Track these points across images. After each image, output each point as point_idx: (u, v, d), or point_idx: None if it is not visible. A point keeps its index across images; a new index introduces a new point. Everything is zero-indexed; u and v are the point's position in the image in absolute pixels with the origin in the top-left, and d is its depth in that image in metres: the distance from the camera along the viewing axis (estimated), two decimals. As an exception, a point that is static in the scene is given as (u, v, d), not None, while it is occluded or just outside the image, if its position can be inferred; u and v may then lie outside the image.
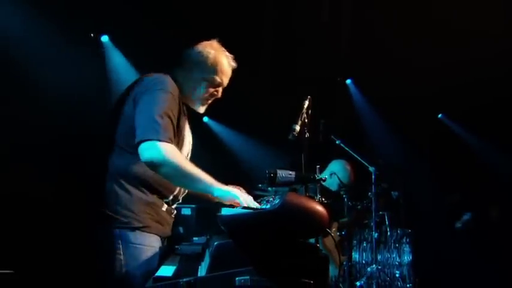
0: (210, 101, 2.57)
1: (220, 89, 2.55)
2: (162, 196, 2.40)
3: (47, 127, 4.57)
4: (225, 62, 2.52)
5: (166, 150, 2.18)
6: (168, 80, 2.37)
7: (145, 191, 2.33)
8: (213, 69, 2.48)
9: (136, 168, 2.30)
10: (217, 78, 2.50)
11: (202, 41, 2.54)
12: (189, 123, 2.62)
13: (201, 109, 2.56)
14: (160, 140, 2.18)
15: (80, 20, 4.86)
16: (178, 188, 2.47)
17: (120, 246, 2.28)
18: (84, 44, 5.07)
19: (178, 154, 2.24)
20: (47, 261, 4.20)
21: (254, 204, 2.22)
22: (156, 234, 2.36)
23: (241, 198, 2.19)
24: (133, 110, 2.30)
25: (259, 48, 6.41)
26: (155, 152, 2.17)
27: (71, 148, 4.62)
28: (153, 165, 2.21)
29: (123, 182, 2.31)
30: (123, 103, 2.39)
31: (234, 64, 2.55)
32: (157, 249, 2.36)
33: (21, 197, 4.31)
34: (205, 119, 7.01)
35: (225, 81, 2.54)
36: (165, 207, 2.42)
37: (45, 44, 4.56)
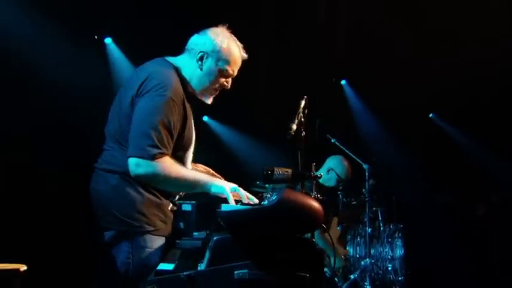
0: (217, 93, 2.41)
1: (230, 80, 2.39)
2: (169, 196, 2.32)
3: (52, 127, 4.55)
4: (237, 52, 2.34)
5: (155, 168, 2.10)
6: (171, 82, 2.21)
7: (155, 192, 2.24)
8: (227, 59, 2.30)
9: None
10: (229, 69, 2.33)
11: (209, 27, 2.36)
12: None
13: (210, 100, 2.40)
14: (149, 157, 2.09)
15: (83, 22, 4.83)
16: None
17: (131, 250, 2.18)
18: (88, 46, 5.05)
19: (167, 167, 2.13)
20: (55, 261, 4.17)
21: (252, 200, 2.19)
22: (163, 235, 2.28)
23: (231, 196, 2.14)
24: (131, 110, 2.19)
25: (256, 49, 6.40)
26: (143, 170, 2.09)
27: (73, 147, 4.59)
28: (144, 182, 2.17)
29: (134, 183, 2.20)
30: (122, 99, 2.28)
31: (245, 55, 2.38)
32: (161, 250, 2.28)
33: (28, 196, 4.28)
34: (205, 118, 7.01)
35: (236, 71, 2.37)
36: (170, 206, 2.34)
37: (48, 45, 4.53)
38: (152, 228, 2.22)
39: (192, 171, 2.25)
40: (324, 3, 6.26)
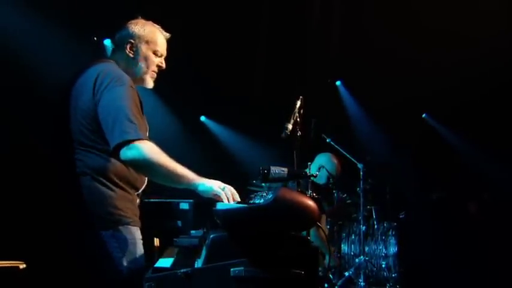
0: (156, 74, 2.48)
1: (163, 60, 2.49)
2: (137, 189, 2.35)
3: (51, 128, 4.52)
4: (159, 33, 2.48)
5: (147, 150, 2.09)
6: (122, 74, 2.28)
7: (125, 187, 2.27)
8: (152, 40, 2.43)
9: (114, 166, 2.21)
10: (159, 48, 2.45)
11: (127, 21, 2.48)
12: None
13: (151, 83, 2.47)
14: (139, 139, 2.09)
15: (82, 23, 4.81)
16: (146, 179, 2.40)
17: (117, 244, 2.20)
18: (87, 47, 5.02)
19: (159, 152, 2.14)
20: (54, 259, 4.13)
21: (237, 197, 2.17)
22: (138, 226, 2.31)
23: (222, 195, 2.13)
24: (94, 107, 2.19)
25: (254, 50, 6.41)
26: (136, 152, 2.08)
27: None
28: (136, 166, 2.15)
29: (106, 181, 2.22)
30: (75, 105, 2.27)
31: (166, 34, 2.51)
32: (141, 241, 2.31)
33: (28, 196, 4.25)
34: (202, 118, 7.01)
35: (165, 51, 2.49)
36: (138, 200, 2.37)
37: (47, 47, 4.50)
38: (130, 220, 2.25)
39: (179, 164, 2.21)
40: (319, 4, 6.27)
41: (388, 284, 5.04)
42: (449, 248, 5.91)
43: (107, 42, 5.37)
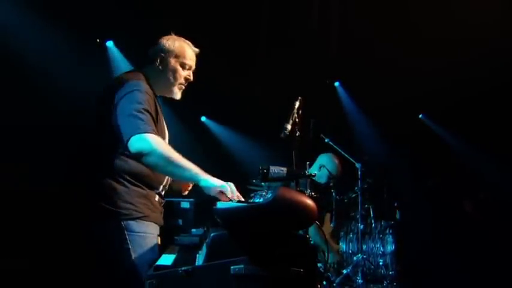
0: (184, 86, 2.61)
1: (191, 73, 2.60)
2: (154, 188, 2.43)
3: (52, 129, 4.52)
4: (188, 47, 2.60)
5: (153, 140, 2.19)
6: (141, 81, 2.41)
7: (140, 184, 2.35)
8: (181, 54, 2.55)
9: (130, 165, 2.32)
10: (187, 62, 2.56)
11: (161, 37, 2.60)
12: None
13: (178, 95, 2.60)
14: (146, 132, 2.20)
15: (85, 25, 4.81)
16: (166, 179, 2.48)
17: (127, 236, 2.27)
18: (90, 49, 5.02)
19: (164, 144, 2.26)
20: (56, 257, 4.14)
21: (240, 198, 2.20)
22: (153, 222, 2.38)
23: (228, 190, 2.17)
24: (115, 112, 2.31)
25: (254, 51, 6.41)
26: (143, 143, 2.18)
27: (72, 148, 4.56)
28: (142, 156, 2.21)
29: (120, 179, 2.32)
30: (104, 104, 2.39)
31: (196, 49, 2.62)
32: (156, 236, 2.39)
33: (27, 194, 4.26)
34: (203, 118, 7.01)
35: (193, 64, 2.61)
36: (156, 197, 2.44)
37: (50, 49, 4.51)
38: (141, 215, 2.33)
39: (183, 158, 2.28)
40: (317, 7, 6.27)
41: (385, 282, 5.04)
42: (445, 246, 5.92)
43: (109, 43, 5.41)
